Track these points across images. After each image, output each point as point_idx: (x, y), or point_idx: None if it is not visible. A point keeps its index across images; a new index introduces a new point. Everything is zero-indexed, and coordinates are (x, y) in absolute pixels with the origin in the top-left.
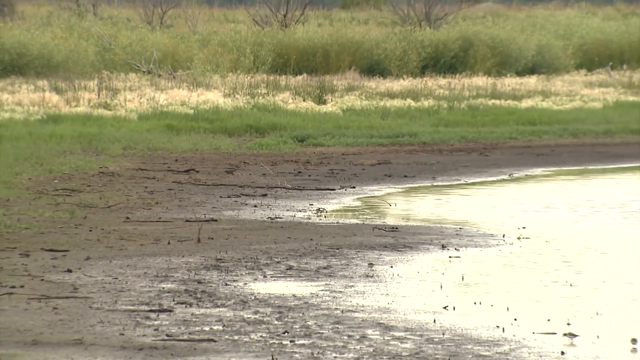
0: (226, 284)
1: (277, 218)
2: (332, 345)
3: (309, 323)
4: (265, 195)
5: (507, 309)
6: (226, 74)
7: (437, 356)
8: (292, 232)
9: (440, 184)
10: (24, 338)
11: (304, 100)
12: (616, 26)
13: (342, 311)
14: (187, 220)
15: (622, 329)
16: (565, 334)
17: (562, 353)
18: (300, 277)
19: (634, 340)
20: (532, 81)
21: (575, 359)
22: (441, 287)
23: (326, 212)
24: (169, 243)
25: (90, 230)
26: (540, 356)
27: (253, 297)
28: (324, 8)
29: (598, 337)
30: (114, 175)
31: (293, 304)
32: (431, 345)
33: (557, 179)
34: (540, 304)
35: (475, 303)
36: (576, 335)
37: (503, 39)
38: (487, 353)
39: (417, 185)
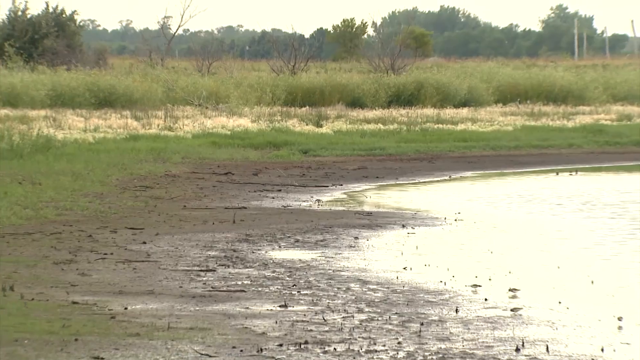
0: (253, 252)
1: (288, 206)
2: (326, 294)
3: (310, 279)
4: (280, 190)
5: (448, 269)
6: (253, 106)
7: (399, 302)
8: (298, 216)
9: (401, 182)
10: (113, 289)
11: (306, 125)
12: (522, 74)
13: (333, 271)
14: (225, 208)
15: (525, 282)
16: (470, 285)
17: (486, 299)
18: (304, 247)
19: (512, 289)
20: (464, 111)
21: (494, 303)
22: (402, 254)
23: (322, 202)
24: (213, 224)
25: (159, 215)
26: (470, 301)
27: (271, 261)
28: (320, 60)
29: (510, 289)
30: (175, 177)
31: (299, 265)
32: (395, 294)
33: (482, 179)
34: (470, 265)
35: (425, 265)
36: (480, 286)
37: (444, 82)
38: (434, 300)
39: (385, 183)
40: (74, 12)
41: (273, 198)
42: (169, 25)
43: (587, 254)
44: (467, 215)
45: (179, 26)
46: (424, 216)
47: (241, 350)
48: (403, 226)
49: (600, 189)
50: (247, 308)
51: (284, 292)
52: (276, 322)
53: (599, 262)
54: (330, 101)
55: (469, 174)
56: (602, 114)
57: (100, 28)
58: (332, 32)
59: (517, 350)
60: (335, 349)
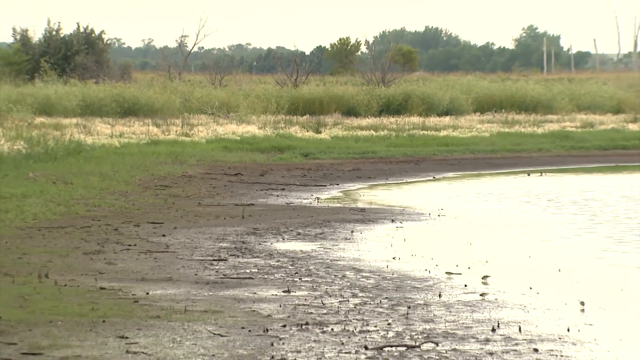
0: (259, 244)
1: (291, 203)
2: (325, 281)
3: (310, 268)
4: (283, 189)
5: (432, 258)
6: (260, 115)
7: (388, 288)
8: (300, 212)
9: (391, 182)
10: (136, 277)
11: (307, 131)
12: (497, 86)
13: (331, 260)
14: (235, 205)
15: (500, 270)
16: (446, 272)
17: (465, 285)
18: (305, 239)
19: (488, 276)
20: (446, 119)
21: (473, 288)
22: (391, 245)
23: (321, 199)
24: (224, 218)
25: (177, 211)
26: (452, 287)
27: (276, 252)
28: (319, 74)
29: (487, 275)
30: (191, 177)
31: (300, 256)
32: (385, 281)
33: (462, 179)
34: (452, 255)
35: (412, 255)
36: (460, 273)
37: (429, 93)
38: (419, 285)
39: (376, 183)
40: (102, 31)
41: (277, 196)
42: (185, 43)
43: (554, 245)
44: (449, 211)
45: (195, 44)
46: (411, 212)
47: (249, 331)
48: (392, 221)
49: (566, 188)
50: (255, 293)
51: (287, 279)
52: (280, 306)
53: (564, 252)
54: (328, 110)
55: (450, 174)
56: (568, 122)
57: (125, 46)
58: (329, 49)
59: (493, 330)
60: (332, 329)
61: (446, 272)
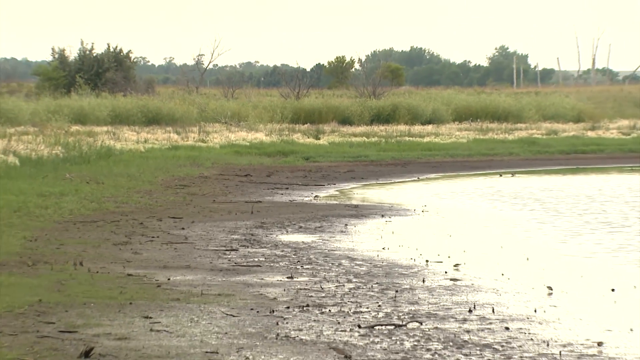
0: (266, 236)
1: (293, 200)
2: (323, 268)
3: (311, 257)
4: (287, 188)
5: (417, 249)
6: (266, 124)
7: (379, 274)
8: (301, 208)
9: (381, 182)
10: (159, 265)
11: (308, 137)
12: (474, 98)
13: (329, 250)
14: (245, 202)
15: (476, 259)
16: (428, 260)
17: (445, 272)
18: (306, 232)
19: (466, 263)
20: (429, 128)
21: (452, 275)
22: (381, 237)
23: (320, 197)
24: (235, 214)
25: (194, 207)
26: (434, 274)
27: (281, 243)
28: (319, 88)
29: (464, 263)
30: (207, 178)
31: (302, 246)
32: (376, 268)
33: (443, 180)
34: (434, 246)
35: (399, 246)
36: (441, 262)
37: (414, 105)
38: (406, 272)
39: (368, 183)
40: (129, 51)
41: (282, 194)
42: (202, 61)
43: (522, 237)
44: (431, 208)
45: (210, 62)
46: (398, 208)
47: (257, 312)
48: (382, 216)
49: (533, 187)
50: (262, 279)
51: (290, 266)
52: (284, 290)
53: (531, 243)
54: (326, 120)
55: (432, 175)
56: (534, 130)
57: (150, 63)
58: (327, 66)
59: (470, 311)
60: (330, 310)
61: (429, 261)
